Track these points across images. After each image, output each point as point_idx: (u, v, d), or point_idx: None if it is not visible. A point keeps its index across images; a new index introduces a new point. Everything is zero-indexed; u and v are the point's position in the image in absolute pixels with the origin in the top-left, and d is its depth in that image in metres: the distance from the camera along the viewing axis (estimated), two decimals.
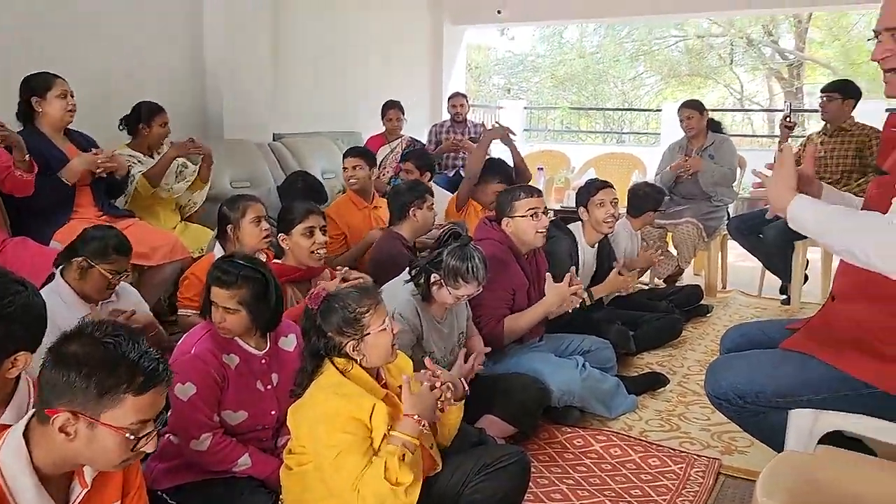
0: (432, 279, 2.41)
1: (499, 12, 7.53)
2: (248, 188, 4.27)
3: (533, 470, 2.13)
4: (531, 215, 2.90)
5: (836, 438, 1.88)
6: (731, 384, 1.95)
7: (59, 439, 1.24)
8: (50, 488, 1.29)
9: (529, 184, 3.84)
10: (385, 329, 1.81)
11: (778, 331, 2.13)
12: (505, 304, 2.84)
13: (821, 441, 1.85)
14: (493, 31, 12.37)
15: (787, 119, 4.64)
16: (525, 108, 11.22)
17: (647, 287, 4.65)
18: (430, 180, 4.21)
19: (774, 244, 4.31)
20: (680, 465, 2.52)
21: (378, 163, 4.72)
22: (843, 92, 4.34)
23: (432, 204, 3.36)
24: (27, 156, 2.85)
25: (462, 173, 5.35)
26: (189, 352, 1.99)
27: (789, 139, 4.59)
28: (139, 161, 3.60)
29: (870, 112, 5.63)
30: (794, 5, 7.67)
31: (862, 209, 1.87)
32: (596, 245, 3.58)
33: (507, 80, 18.80)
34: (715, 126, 4.94)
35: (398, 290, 2.46)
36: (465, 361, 2.44)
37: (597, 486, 2.39)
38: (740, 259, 5.25)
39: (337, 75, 6.14)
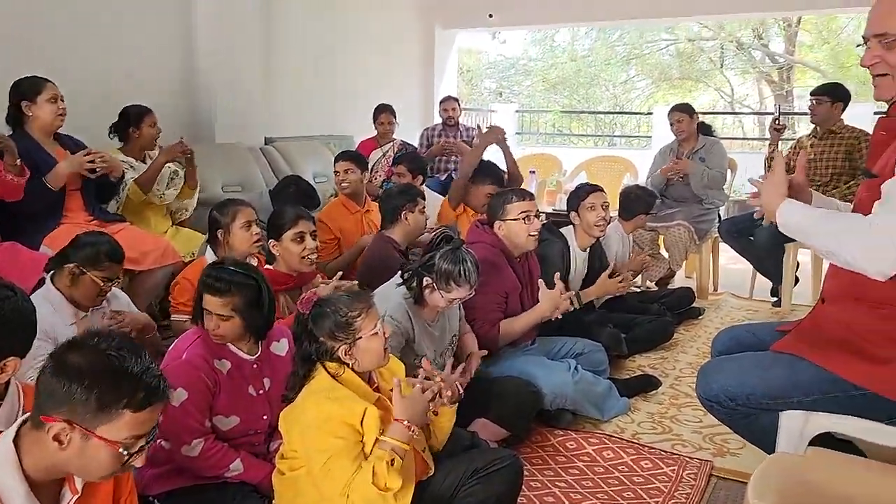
0: (424, 283, 2.41)
1: (490, 16, 7.55)
2: (239, 192, 4.26)
3: (525, 473, 2.14)
4: (523, 219, 2.90)
5: (826, 440, 1.89)
6: (722, 386, 1.97)
7: (51, 447, 1.23)
8: (40, 494, 1.28)
9: (521, 187, 3.85)
10: (377, 333, 1.81)
11: (768, 333, 2.15)
12: (498, 308, 2.84)
13: (811, 443, 1.85)
14: (485, 34, 12.41)
15: (777, 122, 4.67)
16: (517, 111, 11.25)
17: (638, 290, 4.66)
18: (422, 184, 4.21)
19: (765, 246, 4.33)
20: (672, 468, 2.53)
21: (370, 167, 4.72)
22: (833, 95, 4.37)
23: (424, 207, 3.36)
24: (18, 160, 2.83)
25: (454, 177, 5.36)
26: (180, 357, 1.98)
27: (779, 142, 4.62)
28: (131, 166, 3.58)
29: (859, 115, 5.67)
30: (784, 9, 7.71)
31: (852, 212, 1.89)
32: (588, 249, 3.59)
33: (499, 83, 18.86)
34: (705, 129, 4.97)
35: (390, 294, 2.46)
36: (455, 368, 2.43)
37: (589, 488, 2.39)
38: (731, 261, 5.27)
39: (329, 79, 6.14)
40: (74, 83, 3.55)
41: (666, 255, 4.74)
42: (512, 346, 2.92)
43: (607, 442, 2.70)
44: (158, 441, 1.97)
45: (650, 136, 9.47)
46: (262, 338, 2.12)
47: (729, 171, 4.98)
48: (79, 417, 1.22)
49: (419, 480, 1.84)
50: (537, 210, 3.00)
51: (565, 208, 3.72)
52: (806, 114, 4.77)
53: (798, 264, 4.47)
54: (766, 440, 2.00)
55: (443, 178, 5.65)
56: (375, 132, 5.47)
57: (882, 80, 1.80)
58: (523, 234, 2.91)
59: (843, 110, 4.39)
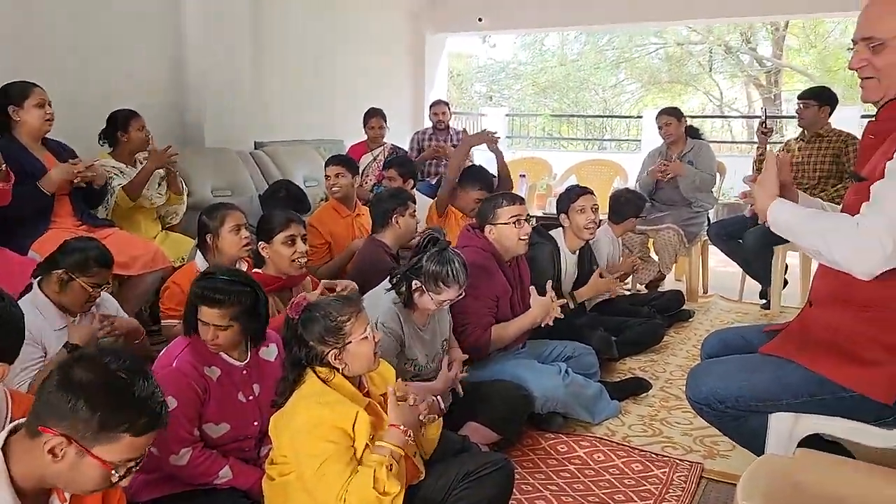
0: (413, 286, 2.41)
1: (480, 20, 7.57)
2: (229, 196, 4.25)
3: (517, 476, 2.14)
4: (514, 222, 2.91)
5: (814, 441, 1.91)
6: (711, 389, 1.98)
7: (44, 459, 1.22)
8: (27, 502, 1.27)
9: (512, 191, 3.85)
10: (367, 337, 1.81)
11: (757, 336, 2.16)
12: (489, 312, 2.84)
13: (800, 444, 1.87)
14: (475, 38, 12.41)
15: (764, 125, 4.70)
16: (507, 115, 11.26)
17: (629, 293, 4.68)
18: (412, 188, 4.21)
19: (754, 249, 4.36)
20: (663, 470, 2.53)
21: (360, 171, 4.72)
22: (820, 99, 4.40)
23: (414, 211, 3.36)
24: (3, 165, 2.82)
25: None
26: (170, 365, 1.97)
27: (767, 145, 4.65)
28: (121, 172, 3.57)
29: (846, 118, 5.72)
30: (772, 13, 7.77)
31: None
32: (577, 251, 3.60)
33: (489, 87, 18.90)
34: (693, 132, 4.99)
35: (380, 299, 2.46)
36: (449, 369, 2.44)
37: (580, 491, 2.40)
38: (721, 264, 5.29)
39: (319, 83, 6.13)
40: (64, 88, 3.54)
41: (656, 258, 4.76)
42: (502, 349, 2.92)
43: (598, 445, 2.71)
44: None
45: (640, 140, 9.51)
46: (259, 343, 2.11)
47: (718, 175, 5.01)
48: (78, 434, 1.21)
49: (410, 485, 1.84)
50: (528, 214, 3.00)
51: (555, 212, 3.73)
52: (794, 117, 4.81)
53: (787, 267, 4.50)
54: (755, 442, 2.02)
55: (433, 181, 5.66)
56: (366, 136, 5.47)
57: (868, 82, 1.83)
58: (514, 237, 2.91)
59: (831, 114, 4.42)
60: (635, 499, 2.35)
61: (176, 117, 4.86)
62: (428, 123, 6.25)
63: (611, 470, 2.54)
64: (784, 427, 1.92)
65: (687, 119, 4.93)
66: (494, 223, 2.92)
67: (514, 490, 2.08)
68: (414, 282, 2.40)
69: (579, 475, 2.51)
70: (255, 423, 2.06)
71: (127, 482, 1.28)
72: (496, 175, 4.30)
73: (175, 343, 2.07)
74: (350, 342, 1.78)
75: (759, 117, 5.61)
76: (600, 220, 3.64)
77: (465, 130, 5.64)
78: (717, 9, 6.86)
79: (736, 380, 1.95)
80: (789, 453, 1.80)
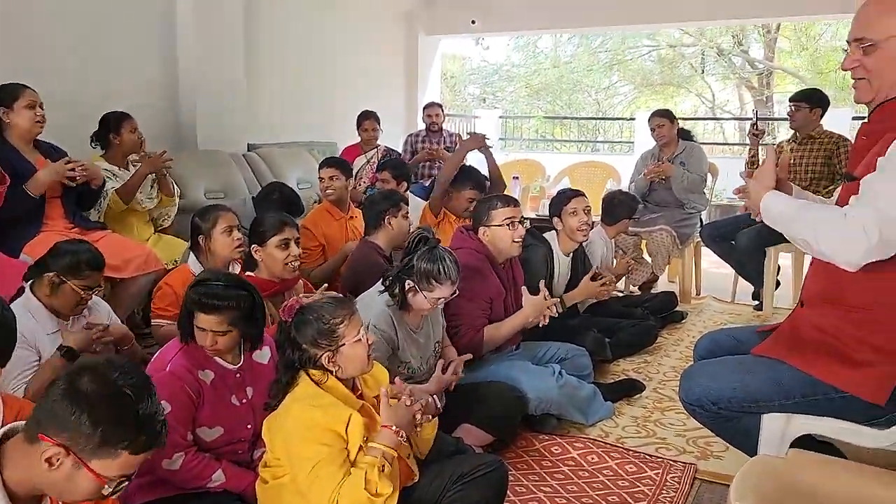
0: (407, 286, 2.41)
1: (473, 22, 7.58)
2: (222, 199, 4.24)
3: (511, 478, 2.14)
4: (508, 225, 2.91)
5: (807, 442, 1.92)
6: (704, 390, 1.98)
7: (40, 466, 1.21)
8: None
9: (505, 193, 3.86)
10: (360, 340, 1.80)
11: (749, 336, 2.17)
12: (483, 314, 2.84)
13: (792, 445, 1.87)
14: (468, 41, 12.45)
15: (755, 127, 4.72)
16: (500, 117, 11.28)
17: (622, 294, 4.69)
18: (406, 190, 4.21)
19: (746, 251, 4.38)
20: (656, 471, 2.54)
21: (354, 173, 4.72)
22: (811, 101, 4.42)
23: (407, 212, 3.36)
24: None
25: None
26: (163, 369, 1.96)
27: (759, 146, 4.67)
28: (113, 175, 3.55)
29: (837, 120, 5.75)
30: (763, 15, 7.80)
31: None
32: (571, 254, 3.61)
33: (483, 89, 18.92)
34: (685, 134, 5.01)
35: (373, 302, 2.46)
36: (444, 371, 2.44)
37: (574, 493, 2.40)
38: (714, 266, 5.31)
39: (312, 86, 6.13)
40: (57, 89, 3.53)
41: (649, 259, 4.78)
42: (496, 351, 2.93)
43: (592, 446, 2.71)
44: None
45: (632, 142, 9.54)
46: (257, 346, 2.11)
47: (710, 176, 5.02)
48: (77, 447, 1.20)
49: (404, 486, 1.84)
50: (521, 216, 3.01)
51: (548, 214, 3.74)
52: (786, 119, 4.83)
53: (779, 268, 4.51)
54: (747, 443, 2.02)
55: (427, 183, 5.65)
56: (359, 139, 5.47)
57: (860, 83, 1.85)
58: (508, 239, 2.92)
59: (822, 116, 4.45)
60: (629, 500, 2.36)
61: (169, 119, 4.85)
62: (421, 126, 6.25)
63: (604, 471, 2.55)
64: (776, 428, 1.92)
65: (679, 121, 4.95)
66: (488, 225, 2.93)
67: (508, 492, 2.07)
68: (407, 282, 2.40)
69: (573, 476, 2.51)
70: (249, 426, 2.06)
71: (117, 496, 1.29)
72: (487, 177, 4.30)
73: (168, 346, 2.06)
74: (343, 344, 1.78)
75: (751, 119, 5.63)
76: (593, 222, 3.65)
77: (458, 136, 5.65)
78: (709, 11, 6.90)
79: (728, 381, 1.95)
80: (782, 454, 1.81)
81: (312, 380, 1.79)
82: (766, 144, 5.97)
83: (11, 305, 1.78)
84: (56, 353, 2.19)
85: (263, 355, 2.14)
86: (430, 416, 1.93)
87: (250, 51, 5.32)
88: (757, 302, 4.66)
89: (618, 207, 4.15)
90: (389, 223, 3.26)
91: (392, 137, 6.25)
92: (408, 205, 3.44)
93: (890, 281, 1.74)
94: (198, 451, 1.97)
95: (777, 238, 4.23)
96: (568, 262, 3.60)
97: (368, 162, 5.29)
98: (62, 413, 1.20)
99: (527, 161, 7.89)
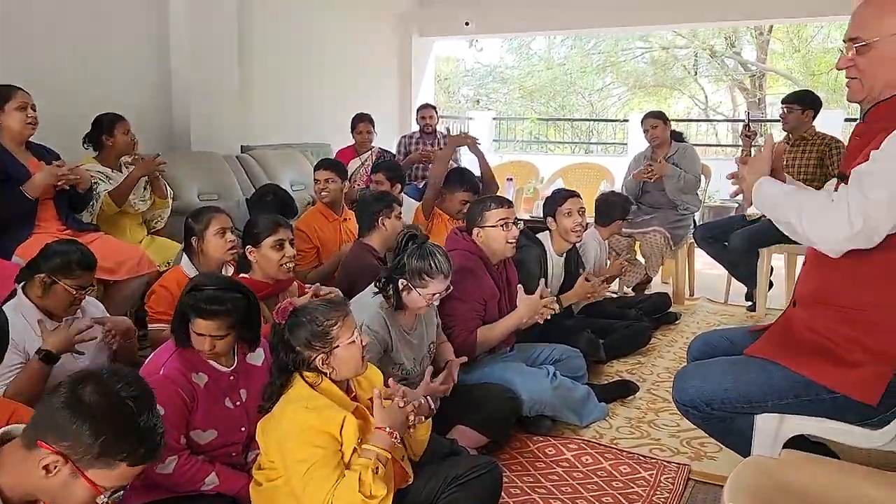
0: (400, 285, 2.41)
1: (467, 24, 7.59)
2: (216, 201, 4.23)
3: (505, 479, 2.14)
4: (502, 225, 2.91)
5: (800, 442, 1.92)
6: (697, 391, 1.99)
7: (36, 473, 1.21)
8: None
9: (498, 194, 3.86)
10: (354, 341, 1.80)
11: (742, 337, 2.18)
12: (477, 315, 2.84)
13: (786, 445, 1.88)
14: (462, 42, 12.43)
15: (748, 128, 4.74)
16: (494, 118, 11.29)
17: (615, 295, 4.69)
18: (400, 192, 4.21)
19: (739, 252, 4.39)
20: (650, 472, 2.54)
21: (349, 175, 4.71)
22: (804, 103, 4.44)
23: (400, 213, 3.37)
24: None
25: None
26: (157, 372, 1.95)
27: (751, 147, 4.68)
28: (107, 177, 3.54)
29: (829, 122, 5.76)
30: (755, 17, 7.84)
31: None
32: (564, 254, 3.61)
33: (476, 91, 18.92)
34: (677, 136, 5.03)
35: (366, 303, 2.46)
36: (433, 378, 2.43)
37: (569, 494, 2.40)
38: (707, 267, 5.32)
39: (305, 87, 6.12)
40: (49, 92, 3.51)
41: (642, 260, 4.79)
42: (490, 352, 2.93)
43: (586, 447, 2.71)
44: None
45: (626, 144, 9.55)
46: (253, 347, 2.10)
47: (703, 177, 5.04)
48: (76, 456, 1.20)
49: (398, 488, 1.84)
50: (515, 217, 3.01)
51: (542, 215, 3.74)
52: (778, 121, 4.85)
53: (772, 269, 4.53)
54: (741, 443, 2.03)
55: (420, 185, 5.65)
56: (353, 141, 5.46)
57: (853, 83, 1.86)
58: (502, 240, 2.92)
59: (814, 117, 4.46)
60: (623, 501, 2.36)
61: (162, 121, 4.84)
62: (415, 127, 6.25)
63: (599, 472, 2.55)
64: (769, 428, 1.93)
65: (671, 123, 4.96)
66: (482, 226, 2.93)
67: (503, 493, 2.08)
68: (400, 281, 2.40)
69: (567, 478, 2.51)
70: (243, 429, 2.05)
71: None
72: (480, 177, 4.31)
73: (162, 350, 2.05)
74: (337, 346, 1.78)
75: (743, 121, 5.65)
76: (587, 223, 3.65)
77: (448, 130, 5.65)
78: (701, 13, 6.92)
79: (722, 382, 1.96)
80: (775, 454, 1.81)
81: (306, 382, 1.79)
82: (757, 146, 6.00)
83: (4, 307, 1.77)
84: (35, 356, 2.16)
85: (257, 357, 2.14)
86: (424, 418, 1.93)
87: (244, 52, 5.31)
88: (750, 303, 4.68)
89: (611, 208, 4.16)
90: (383, 224, 3.26)
91: (386, 139, 6.25)
92: (401, 206, 3.45)
93: (883, 280, 1.75)
94: (191, 454, 1.96)
95: (770, 239, 4.25)
96: (561, 263, 3.61)
97: (363, 164, 5.29)
98: (63, 421, 1.20)
99: (520, 162, 7.90)
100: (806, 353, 1.87)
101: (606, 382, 3.34)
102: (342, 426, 1.72)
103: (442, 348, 2.69)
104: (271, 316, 1.96)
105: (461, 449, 2.27)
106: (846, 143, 2.13)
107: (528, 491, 2.40)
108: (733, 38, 15.47)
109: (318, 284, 2.79)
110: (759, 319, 4.35)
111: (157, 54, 4.78)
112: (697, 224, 5.06)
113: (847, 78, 1.88)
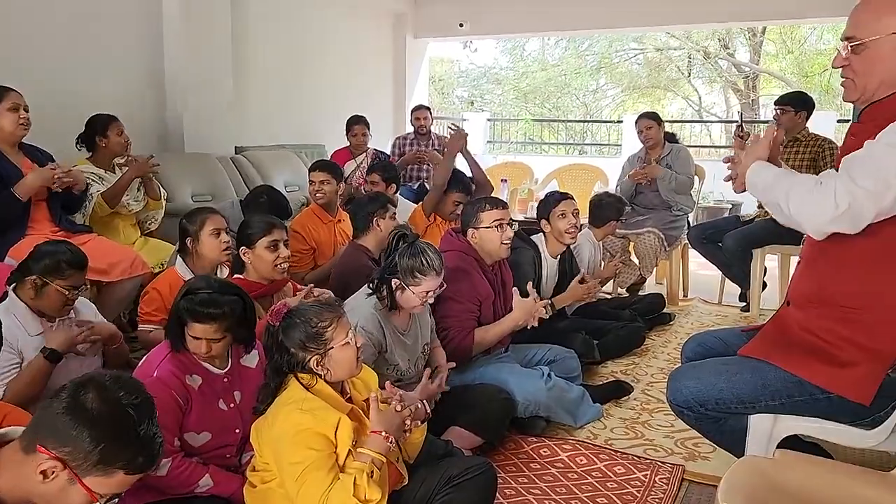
0: (393, 285, 2.41)
1: (461, 25, 7.60)
2: (210, 202, 4.22)
3: (500, 480, 2.14)
4: (496, 227, 2.92)
5: (794, 442, 1.93)
6: (691, 392, 1.99)
7: (34, 477, 1.20)
8: None
9: (493, 195, 3.86)
10: (349, 343, 1.80)
11: (736, 338, 2.18)
12: (472, 316, 2.84)
13: (779, 445, 1.88)
14: (456, 44, 12.46)
15: (740, 129, 4.75)
16: (488, 119, 11.29)
17: (610, 296, 4.70)
18: (396, 193, 4.21)
19: (733, 253, 4.40)
20: (645, 472, 2.54)
21: (344, 177, 4.71)
22: (797, 104, 4.45)
23: (394, 214, 3.37)
24: None
25: (426, 185, 5.37)
26: (151, 374, 1.94)
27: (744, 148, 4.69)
28: (100, 178, 3.53)
29: (822, 123, 5.79)
30: (749, 19, 7.87)
31: None
32: (558, 256, 3.61)
33: (471, 92, 18.95)
34: (669, 137, 5.04)
35: (360, 304, 2.45)
36: (432, 379, 2.43)
37: (563, 495, 2.40)
38: (701, 267, 5.34)
39: (299, 88, 6.12)
40: (42, 93, 3.49)
41: (636, 261, 4.80)
42: (485, 353, 2.93)
43: (580, 448, 2.71)
44: None
45: (620, 145, 9.57)
46: (249, 349, 2.09)
47: (696, 178, 5.05)
48: (75, 462, 1.20)
49: (393, 490, 1.83)
50: (510, 218, 3.02)
51: (536, 216, 3.74)
52: (771, 122, 4.86)
53: (766, 270, 4.54)
54: (735, 444, 2.03)
55: (415, 186, 5.66)
56: (348, 143, 5.46)
57: (847, 82, 1.87)
58: (496, 242, 2.92)
59: (808, 118, 4.48)
60: (617, 501, 2.36)
61: (156, 122, 4.83)
62: (409, 128, 6.25)
63: (593, 473, 2.55)
64: (763, 428, 1.93)
65: (665, 124, 4.98)
66: (477, 227, 2.93)
67: (498, 494, 2.08)
68: (392, 281, 2.40)
69: (562, 478, 2.51)
70: (237, 431, 2.05)
71: None
72: (472, 179, 4.31)
73: (155, 352, 2.04)
74: (332, 348, 1.77)
75: (737, 122, 5.67)
76: (581, 225, 3.66)
77: (446, 137, 5.64)
78: (695, 14, 6.95)
79: (716, 382, 1.96)
80: (769, 455, 1.82)
81: (301, 383, 1.79)
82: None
83: None
84: (39, 354, 2.18)
85: (251, 359, 2.13)
86: (420, 422, 1.93)
87: (237, 53, 5.30)
88: (744, 303, 4.69)
89: (605, 209, 4.17)
90: (378, 225, 3.26)
91: (380, 140, 6.25)
92: (395, 206, 3.44)
93: (868, 266, 1.76)
94: (185, 456, 1.95)
95: (763, 240, 4.26)
96: (555, 265, 3.61)
97: (358, 167, 5.29)
98: (63, 427, 1.19)
99: (515, 164, 7.91)
100: (799, 352, 1.87)
101: (601, 383, 3.34)
102: (337, 428, 1.71)
103: (434, 353, 2.68)
104: (265, 315, 1.95)
105: (456, 450, 2.27)
106: (840, 143, 2.13)
107: (523, 492, 2.40)
108: (727, 39, 15.54)
109: (311, 285, 2.79)
110: (752, 320, 4.37)
111: (151, 55, 4.77)
112: (691, 225, 5.07)
113: (842, 78, 1.89)
